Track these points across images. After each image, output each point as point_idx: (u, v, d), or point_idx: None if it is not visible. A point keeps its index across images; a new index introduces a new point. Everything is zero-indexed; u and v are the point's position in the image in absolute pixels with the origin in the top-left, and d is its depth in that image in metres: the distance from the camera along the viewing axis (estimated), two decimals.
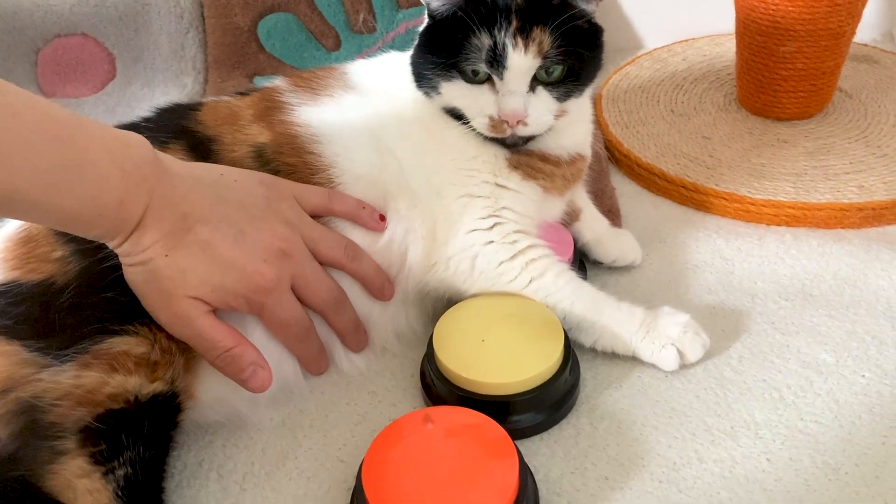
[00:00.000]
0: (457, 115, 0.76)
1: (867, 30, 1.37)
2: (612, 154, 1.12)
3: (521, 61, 0.70)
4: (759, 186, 0.99)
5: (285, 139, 0.75)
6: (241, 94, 0.81)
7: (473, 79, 0.72)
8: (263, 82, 1.22)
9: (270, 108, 0.78)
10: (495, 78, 0.71)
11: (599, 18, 1.30)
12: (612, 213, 0.97)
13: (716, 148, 1.08)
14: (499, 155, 0.77)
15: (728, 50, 1.30)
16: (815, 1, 1.01)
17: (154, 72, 1.32)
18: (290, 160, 0.74)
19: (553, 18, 0.69)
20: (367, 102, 0.80)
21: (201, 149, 0.73)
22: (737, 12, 1.11)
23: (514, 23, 0.69)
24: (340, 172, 0.74)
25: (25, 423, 0.61)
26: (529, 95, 0.72)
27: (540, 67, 0.71)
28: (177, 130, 0.74)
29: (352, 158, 0.75)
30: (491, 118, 0.72)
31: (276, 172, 0.73)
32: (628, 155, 1.08)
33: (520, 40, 0.69)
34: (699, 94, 1.22)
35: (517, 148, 0.77)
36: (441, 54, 0.73)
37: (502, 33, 0.69)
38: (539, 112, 0.73)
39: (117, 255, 0.64)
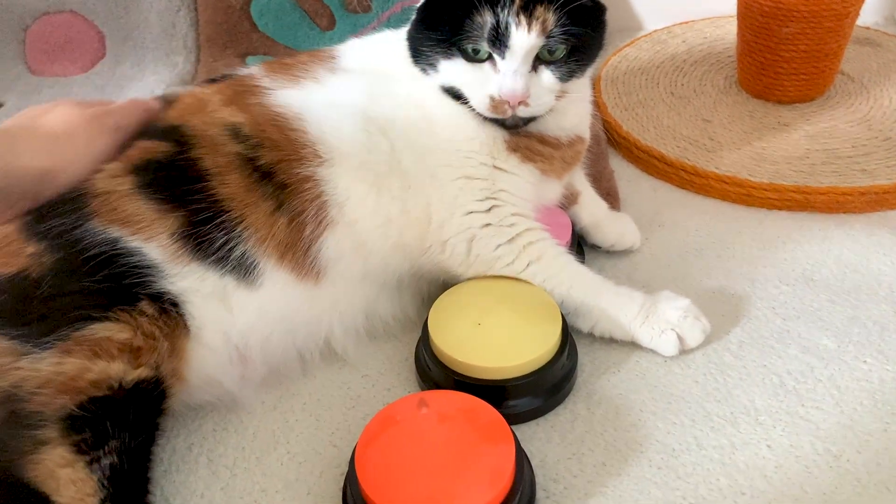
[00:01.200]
0: (455, 93, 0.74)
1: (869, 13, 1.35)
2: (610, 136, 1.10)
3: (524, 40, 0.68)
4: (760, 170, 0.98)
5: (264, 118, 0.73)
6: (210, 81, 0.79)
7: (474, 57, 0.70)
8: (256, 62, 1.21)
9: (242, 93, 0.75)
10: (497, 57, 0.69)
11: None
12: (610, 196, 0.95)
13: (716, 131, 1.07)
14: (497, 137, 0.76)
15: (728, 32, 1.29)
16: None
17: (144, 51, 1.30)
18: (272, 136, 0.72)
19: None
20: (357, 83, 0.77)
21: (170, 134, 0.71)
22: None
23: (518, 1, 0.67)
24: (328, 149, 0.72)
25: (5, 413, 0.60)
26: (531, 75, 0.70)
27: (543, 46, 0.69)
28: (144, 131, 0.73)
29: (339, 137, 0.73)
30: (492, 98, 0.71)
31: (256, 148, 0.71)
32: (627, 137, 1.07)
33: (523, 19, 0.67)
34: (699, 77, 1.20)
35: (517, 129, 0.75)
36: (441, 31, 0.71)
37: (505, 11, 0.67)
38: (541, 93, 0.71)
39: (95, 244, 0.65)
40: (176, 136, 0.71)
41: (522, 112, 0.71)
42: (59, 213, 0.67)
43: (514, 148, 0.76)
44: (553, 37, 0.69)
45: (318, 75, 0.78)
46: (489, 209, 0.75)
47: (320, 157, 0.72)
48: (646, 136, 1.06)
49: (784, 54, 1.07)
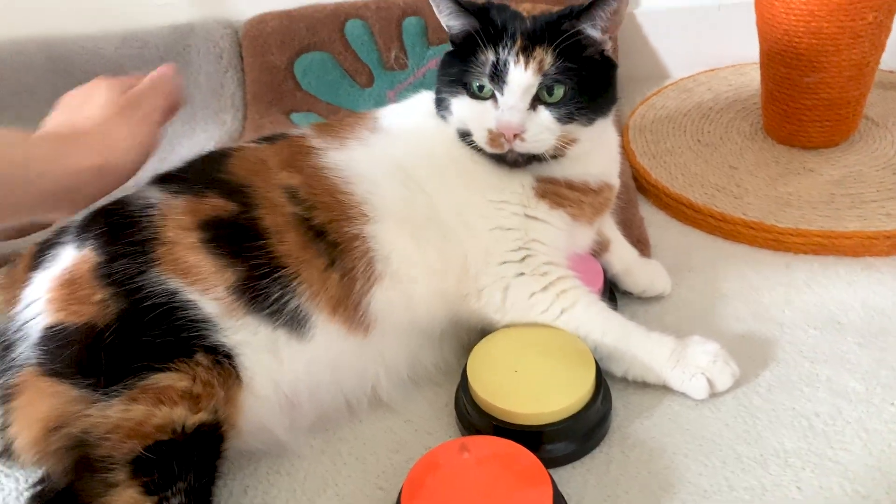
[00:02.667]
0: (467, 136, 0.79)
1: (893, 56, 1.37)
2: (639, 183, 1.14)
3: (521, 77, 0.74)
4: (786, 215, 1.01)
5: (316, 180, 0.78)
6: (266, 139, 0.85)
7: (479, 94, 0.77)
8: (300, 118, 1.27)
9: (296, 154, 0.81)
10: (497, 94, 0.75)
11: (625, 47, 1.33)
12: (640, 243, 0.99)
13: (742, 177, 1.10)
14: (526, 184, 0.80)
15: (752, 79, 1.32)
16: (838, 33, 1.03)
17: (194, 109, 1.37)
18: (324, 199, 0.77)
19: (557, 41, 0.74)
20: (396, 141, 0.83)
21: (237, 195, 0.76)
22: (761, 45, 1.14)
23: (519, 42, 0.74)
24: (372, 208, 0.77)
25: (77, 458, 0.65)
26: (529, 113, 0.75)
27: (541, 87, 0.75)
28: (209, 182, 0.77)
29: (382, 195, 0.78)
30: (490, 131, 0.76)
31: (310, 209, 0.76)
32: (656, 185, 1.11)
33: (521, 57, 0.74)
34: (725, 124, 1.24)
35: (519, 167, 0.79)
36: (453, 73, 0.79)
37: (506, 51, 0.74)
38: (537, 129, 0.76)
39: (156, 294, 0.70)
40: (241, 197, 0.76)
41: (519, 147, 0.76)
42: (127, 255, 0.71)
43: (542, 195, 0.80)
44: (549, 75, 0.74)
45: (362, 135, 0.83)
46: (522, 259, 0.80)
47: (366, 216, 0.77)
48: (674, 183, 1.10)
49: (807, 102, 1.10)
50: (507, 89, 0.75)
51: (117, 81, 0.84)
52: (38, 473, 0.69)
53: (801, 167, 1.11)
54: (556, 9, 0.78)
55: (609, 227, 0.94)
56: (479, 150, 0.79)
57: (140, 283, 0.69)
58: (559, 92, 0.75)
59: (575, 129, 0.77)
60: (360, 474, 0.74)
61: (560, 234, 0.81)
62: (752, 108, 1.26)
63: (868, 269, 0.94)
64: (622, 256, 0.93)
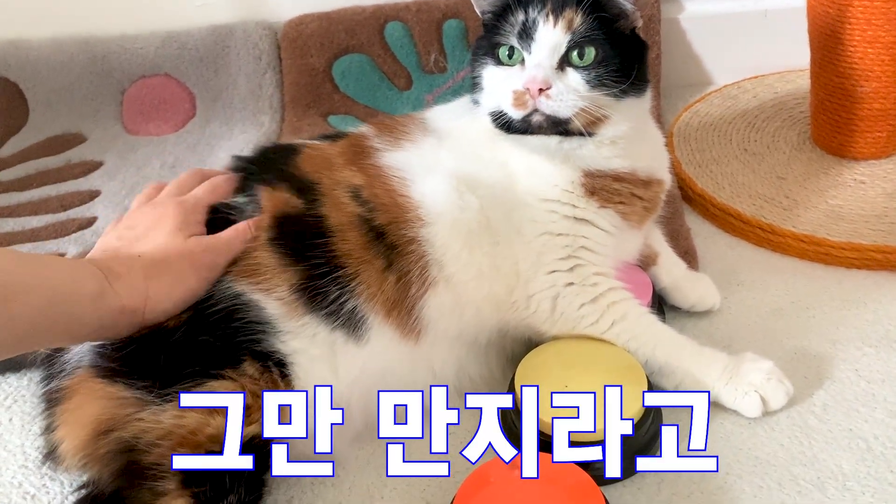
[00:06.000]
0: (498, 118, 0.79)
1: None
2: (685, 193, 1.12)
3: (550, 35, 0.74)
4: (838, 228, 0.98)
5: (377, 181, 0.78)
6: (329, 137, 0.85)
7: (507, 61, 0.77)
8: (338, 121, 1.27)
9: (358, 153, 0.81)
10: (525, 55, 0.76)
11: (668, 53, 1.32)
12: (688, 255, 0.97)
13: (791, 188, 1.08)
14: (574, 180, 0.78)
15: (799, 87, 1.30)
16: (895, 42, 1.00)
17: (232, 110, 1.37)
18: (384, 200, 0.76)
19: (586, 3, 0.74)
20: (447, 144, 0.82)
21: (305, 191, 0.76)
22: (812, 53, 1.11)
23: (549, 4, 0.75)
24: (427, 212, 0.76)
25: (126, 464, 0.64)
26: (557, 72, 0.75)
27: (570, 46, 0.74)
28: (280, 174, 0.78)
29: (435, 199, 0.77)
30: (515, 91, 0.75)
31: (372, 210, 0.76)
32: (702, 195, 1.08)
33: (550, 16, 0.75)
34: (772, 133, 1.21)
35: (545, 133, 0.78)
36: (482, 46, 0.80)
37: (535, 10, 0.75)
38: (564, 90, 0.74)
39: (223, 298, 0.69)
40: (310, 195, 0.76)
41: (543, 106, 0.75)
42: None
43: (591, 191, 0.79)
44: (577, 34, 0.74)
45: (416, 138, 0.83)
46: (571, 268, 0.78)
47: (422, 219, 0.76)
48: (721, 193, 1.08)
49: (859, 113, 1.08)
50: (535, 46, 0.75)
51: (182, 206, 0.74)
52: (83, 478, 0.69)
53: (852, 179, 1.09)
54: None
55: (657, 239, 0.93)
56: (508, 126, 0.78)
57: (215, 288, 0.70)
58: (589, 55, 0.75)
59: (604, 101, 0.76)
60: (405, 487, 0.73)
61: (609, 238, 0.80)
62: (800, 116, 1.24)
63: None
64: (670, 270, 0.91)
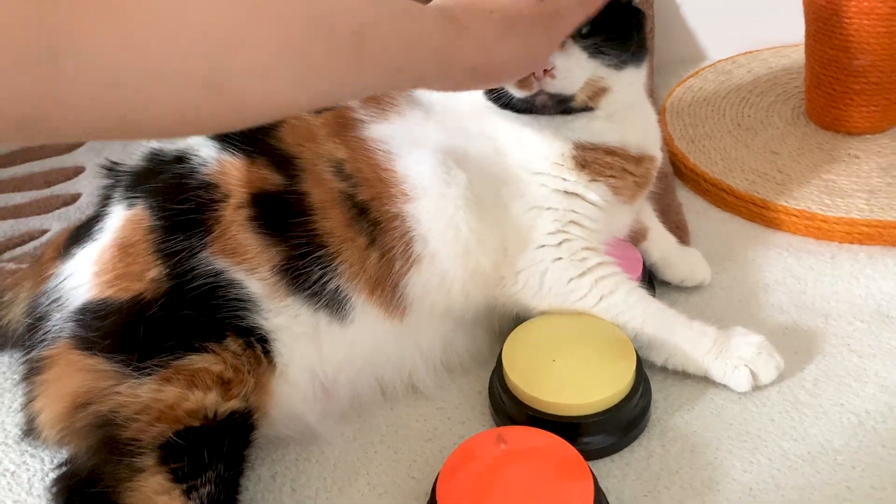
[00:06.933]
0: (498, 96, 0.76)
1: None
2: (677, 168, 1.10)
3: None
4: (832, 203, 0.97)
5: (361, 154, 0.76)
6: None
7: None
8: None
9: (343, 125, 0.79)
10: None
11: (661, 28, 1.30)
12: (679, 230, 0.96)
13: (785, 163, 1.07)
14: (565, 153, 0.77)
15: (794, 62, 1.28)
16: (891, 13, 0.99)
17: None
18: (367, 175, 0.74)
19: None
20: (434, 117, 0.80)
21: (286, 166, 0.74)
22: (807, 25, 1.09)
23: None
24: (412, 187, 0.75)
25: (103, 438, 0.63)
26: (559, 51, 0.71)
27: None
28: (261, 146, 0.75)
29: (421, 173, 0.76)
30: None
31: (355, 185, 0.74)
32: (695, 170, 1.07)
33: None
34: (766, 108, 1.20)
35: (548, 112, 0.76)
36: None
37: None
38: (567, 66, 0.72)
39: (203, 274, 0.67)
40: (290, 169, 0.73)
41: (548, 86, 0.72)
42: (183, 227, 0.69)
43: (582, 164, 0.77)
44: None
45: (403, 110, 0.80)
46: (560, 243, 0.77)
47: (406, 195, 0.74)
48: (713, 168, 1.07)
49: (854, 86, 1.06)
50: None
51: None
52: (64, 455, 0.68)
53: (846, 154, 1.07)
54: None
55: (647, 214, 0.91)
56: (507, 104, 0.76)
57: (193, 263, 0.68)
58: (588, 26, 0.72)
59: (605, 72, 0.74)
60: (391, 463, 0.72)
61: (599, 213, 0.78)
62: (794, 91, 1.22)
63: None
64: (661, 245, 0.90)
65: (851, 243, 0.95)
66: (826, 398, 0.75)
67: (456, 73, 0.62)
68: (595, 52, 0.73)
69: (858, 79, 1.06)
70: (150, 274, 0.67)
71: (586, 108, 0.76)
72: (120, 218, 0.70)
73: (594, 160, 0.77)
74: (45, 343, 0.67)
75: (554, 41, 0.68)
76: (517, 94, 0.74)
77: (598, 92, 0.75)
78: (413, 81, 0.63)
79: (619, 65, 0.75)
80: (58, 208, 1.11)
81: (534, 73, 0.71)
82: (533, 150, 0.77)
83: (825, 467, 0.68)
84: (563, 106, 0.75)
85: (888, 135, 1.10)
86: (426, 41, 0.58)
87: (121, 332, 0.65)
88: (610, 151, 0.78)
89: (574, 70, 0.72)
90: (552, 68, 0.71)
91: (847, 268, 0.91)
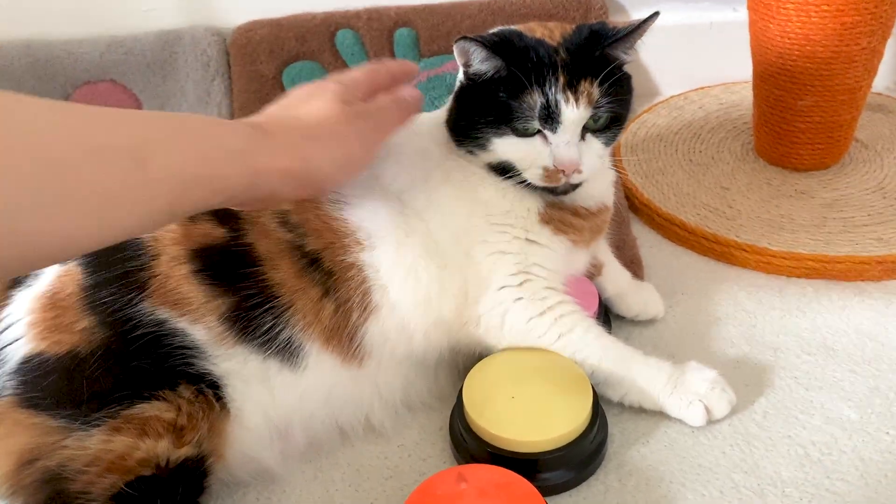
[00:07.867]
0: (500, 168, 0.77)
1: (880, 77, 1.38)
2: (631, 203, 1.13)
3: (574, 114, 0.72)
4: (779, 238, 1.01)
5: (307, 204, 0.75)
6: None
7: (525, 133, 0.73)
8: None
9: None
10: (547, 132, 0.73)
11: None
12: (634, 265, 0.98)
13: (735, 198, 1.10)
14: (532, 209, 0.78)
15: (743, 98, 1.33)
16: (832, 57, 1.03)
17: None
18: (315, 225, 0.74)
19: (597, 70, 0.72)
20: (393, 163, 0.79)
21: (228, 220, 0.73)
22: (754, 67, 1.14)
23: (562, 78, 0.71)
24: (367, 235, 0.74)
25: (52, 493, 0.62)
26: (581, 144, 0.74)
27: (590, 117, 0.73)
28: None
29: (377, 223, 0.75)
30: (545, 169, 0.74)
31: (303, 236, 0.73)
32: (648, 204, 1.10)
33: (570, 95, 0.71)
34: (717, 144, 1.24)
35: (566, 194, 0.78)
36: (489, 114, 0.74)
37: (553, 90, 0.71)
38: (591, 159, 0.75)
39: (144, 324, 0.67)
40: (232, 222, 0.73)
41: (575, 179, 0.75)
42: (116, 283, 0.69)
43: (546, 221, 0.79)
44: (600, 107, 0.73)
45: None
46: (521, 283, 0.78)
47: (361, 243, 0.74)
48: (666, 203, 1.10)
49: (799, 125, 1.10)
50: (560, 128, 0.72)
51: (340, 82, 0.70)
52: None
53: (793, 189, 1.11)
54: (570, 27, 0.76)
55: (603, 250, 0.93)
56: (522, 183, 0.76)
57: (129, 314, 0.68)
58: (604, 119, 0.74)
59: (607, 152, 0.77)
60: (352, 502, 0.73)
61: (559, 258, 0.80)
62: (744, 127, 1.27)
63: (860, 294, 0.95)
64: (616, 280, 0.93)
65: (799, 277, 0.98)
66: (775, 431, 0.77)
67: (272, 179, 0.60)
68: (610, 140, 0.76)
69: (803, 118, 1.10)
70: (81, 325, 0.67)
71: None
72: (53, 272, 0.70)
73: (560, 219, 0.79)
74: None
75: (368, 138, 0.68)
76: (541, 184, 0.75)
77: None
78: (222, 195, 0.58)
79: (616, 140, 0.78)
80: None
81: (563, 172, 0.73)
82: (502, 203, 0.78)
83: (774, 499, 0.70)
84: (578, 186, 0.77)
85: (832, 171, 1.15)
86: (222, 146, 0.58)
87: (64, 387, 0.65)
88: (575, 212, 0.80)
89: (595, 161, 0.75)
90: (580, 165, 0.73)
91: (794, 302, 0.95)
